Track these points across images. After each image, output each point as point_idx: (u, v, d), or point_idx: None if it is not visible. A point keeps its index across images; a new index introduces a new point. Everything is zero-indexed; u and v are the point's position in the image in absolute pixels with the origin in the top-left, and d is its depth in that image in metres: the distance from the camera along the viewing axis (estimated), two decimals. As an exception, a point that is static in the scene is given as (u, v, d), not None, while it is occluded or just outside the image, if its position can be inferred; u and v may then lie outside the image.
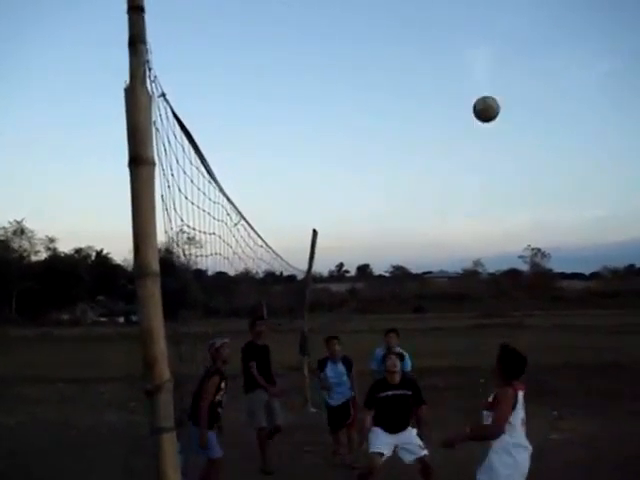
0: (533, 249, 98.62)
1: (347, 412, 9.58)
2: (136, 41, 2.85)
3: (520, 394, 5.37)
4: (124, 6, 2.82)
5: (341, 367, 9.66)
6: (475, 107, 5.76)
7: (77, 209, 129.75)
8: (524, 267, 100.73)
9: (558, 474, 8.38)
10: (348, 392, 9.61)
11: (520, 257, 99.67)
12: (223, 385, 7.47)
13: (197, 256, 3.52)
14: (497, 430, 5.24)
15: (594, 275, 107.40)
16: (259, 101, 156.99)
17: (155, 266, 2.81)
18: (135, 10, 2.85)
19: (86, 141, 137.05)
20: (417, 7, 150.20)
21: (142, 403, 9.29)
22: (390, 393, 7.68)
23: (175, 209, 3.11)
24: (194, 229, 3.37)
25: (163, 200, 3.02)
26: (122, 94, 2.85)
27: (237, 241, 4.80)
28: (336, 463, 9.32)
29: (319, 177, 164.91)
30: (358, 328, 36.72)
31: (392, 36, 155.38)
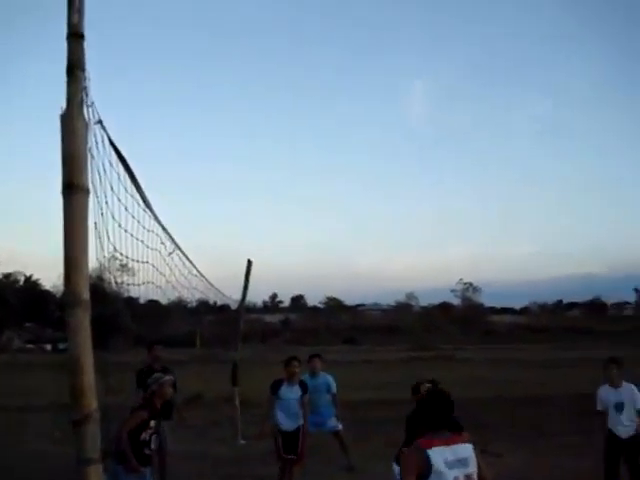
0: (465, 283, 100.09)
1: (297, 441, 9.44)
2: (74, 67, 2.84)
3: (439, 450, 4.05)
4: (64, 33, 2.82)
5: (297, 390, 9.51)
6: None
7: (5, 233, 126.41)
8: (456, 301, 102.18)
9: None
10: (301, 419, 9.52)
11: (452, 291, 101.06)
12: (153, 424, 6.95)
13: (129, 284, 3.48)
14: None
15: (524, 310, 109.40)
16: (195, 133, 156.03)
17: (86, 295, 2.77)
18: (74, 37, 2.84)
19: (17, 165, 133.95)
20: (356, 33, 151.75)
21: (68, 433, 9.07)
22: None
23: (108, 237, 3.09)
24: (127, 257, 3.35)
25: (96, 227, 3.00)
26: (57, 120, 2.84)
27: (171, 270, 4.78)
28: None
29: (253, 207, 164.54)
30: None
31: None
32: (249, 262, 13.70)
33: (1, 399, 19.67)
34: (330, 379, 10.51)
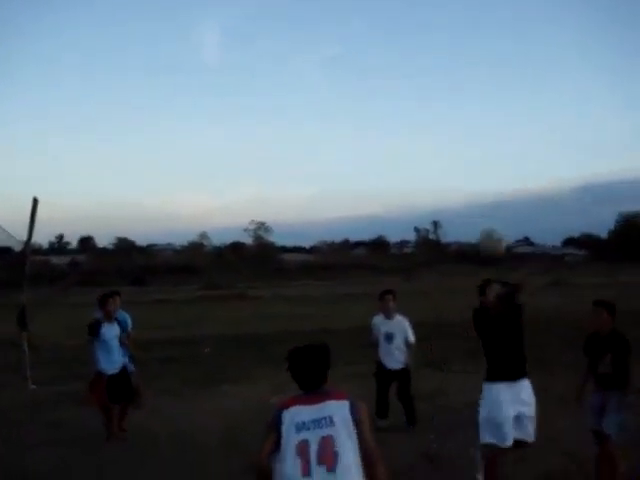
0: (257, 223, 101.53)
1: (127, 382, 9.06)
2: None
3: (294, 410, 3.74)
4: None
5: (116, 328, 9.10)
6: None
7: None
8: (248, 240, 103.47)
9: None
10: (123, 358, 9.13)
11: (245, 230, 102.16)
12: None
13: None
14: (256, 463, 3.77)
15: (313, 249, 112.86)
16: None
17: None
18: None
19: None
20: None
21: None
22: None
23: None
24: None
25: None
26: None
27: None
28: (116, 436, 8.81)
29: (38, 143, 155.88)
30: (79, 301, 35.54)
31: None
32: (35, 200, 13.00)
33: None
34: (127, 317, 10.18)
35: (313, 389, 3.85)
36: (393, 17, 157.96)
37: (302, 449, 3.60)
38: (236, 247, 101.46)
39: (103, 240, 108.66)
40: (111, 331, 8.98)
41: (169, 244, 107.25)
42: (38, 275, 41.22)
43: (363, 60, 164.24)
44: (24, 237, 13.22)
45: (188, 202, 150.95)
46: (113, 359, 8.97)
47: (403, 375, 9.07)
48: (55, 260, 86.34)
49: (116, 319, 9.19)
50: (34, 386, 12.60)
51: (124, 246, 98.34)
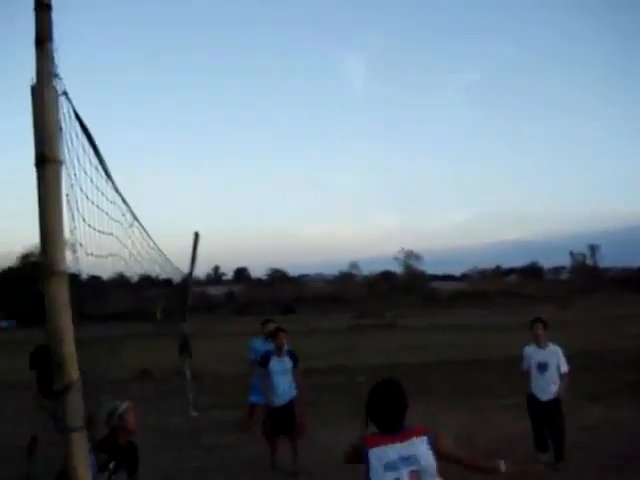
0: (406, 251, 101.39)
1: (291, 415, 8.95)
2: (43, 39, 2.82)
3: (380, 450, 3.93)
4: (31, 4, 2.80)
5: (287, 362, 9.01)
6: None
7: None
8: (398, 269, 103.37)
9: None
10: (292, 391, 9.03)
11: (395, 259, 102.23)
12: (112, 466, 5.36)
13: (96, 255, 3.47)
14: None
15: (464, 276, 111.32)
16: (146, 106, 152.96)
17: (62, 265, 2.79)
18: (42, 8, 2.82)
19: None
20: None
21: (20, 411, 8.96)
22: None
23: (78, 208, 3.10)
24: (94, 229, 3.35)
25: (67, 199, 3.00)
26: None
27: (133, 242, 4.78)
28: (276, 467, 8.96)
29: (198, 179, 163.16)
30: (236, 330, 36.63)
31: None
32: (196, 234, 13.62)
33: None
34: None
35: (393, 430, 4.01)
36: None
37: None
38: (386, 276, 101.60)
39: (257, 271, 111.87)
40: (280, 364, 8.96)
41: (319, 274, 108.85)
42: (197, 305, 42.89)
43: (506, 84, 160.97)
44: (185, 269, 13.82)
45: (339, 232, 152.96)
46: (279, 392, 8.95)
47: (554, 407, 8.72)
48: (212, 291, 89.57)
49: (288, 352, 9.11)
50: (196, 413, 13.08)
51: (277, 276, 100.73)
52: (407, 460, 3.87)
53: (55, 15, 2.85)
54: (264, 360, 9.06)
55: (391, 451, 3.90)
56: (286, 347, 9.12)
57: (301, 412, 8.98)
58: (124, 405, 5.57)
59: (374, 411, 4.06)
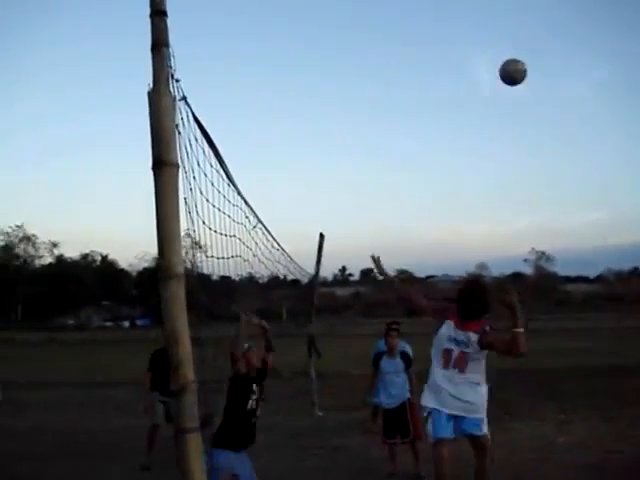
0: (537, 252, 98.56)
1: (403, 418, 8.73)
2: (159, 44, 2.88)
3: (450, 325, 5.93)
4: (147, 10, 2.85)
5: (399, 363, 8.84)
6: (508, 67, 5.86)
7: (82, 213, 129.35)
8: (529, 270, 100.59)
9: (567, 477, 8.34)
10: (405, 393, 8.82)
11: (525, 260, 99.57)
12: (255, 388, 6.30)
13: (217, 258, 3.51)
14: None
15: (599, 278, 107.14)
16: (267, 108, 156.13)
17: (179, 268, 2.82)
18: (158, 14, 2.87)
19: (96, 146, 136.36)
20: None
21: (148, 407, 9.25)
22: None
23: (197, 212, 3.14)
24: (215, 231, 3.39)
25: (186, 202, 3.04)
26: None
27: (256, 244, 4.83)
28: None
29: (324, 180, 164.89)
30: (362, 332, 36.72)
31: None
32: (321, 236, 13.69)
33: (83, 375, 20.30)
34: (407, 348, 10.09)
35: (465, 319, 5.85)
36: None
37: (446, 354, 5.86)
38: (516, 278, 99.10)
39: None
40: (392, 365, 8.83)
41: (446, 275, 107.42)
42: (324, 306, 43.31)
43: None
44: (311, 270, 13.92)
45: (467, 232, 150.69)
46: (391, 393, 8.84)
47: None
48: (339, 292, 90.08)
49: (401, 353, 8.93)
50: (321, 413, 13.14)
51: (404, 278, 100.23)
52: (461, 342, 5.80)
53: (171, 20, 2.89)
54: (375, 359, 8.98)
55: (456, 331, 5.85)
56: (400, 348, 8.95)
57: (414, 415, 8.74)
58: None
59: (461, 300, 5.91)
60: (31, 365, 24.37)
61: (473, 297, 5.89)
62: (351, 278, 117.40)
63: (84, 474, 9.29)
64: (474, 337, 5.76)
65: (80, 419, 13.68)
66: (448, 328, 5.88)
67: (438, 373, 5.90)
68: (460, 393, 5.81)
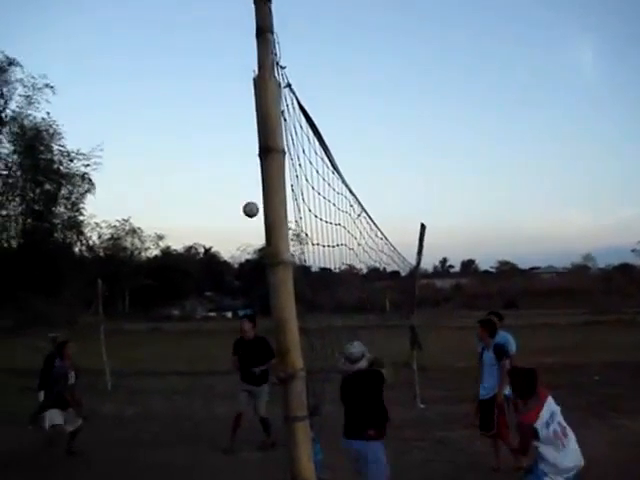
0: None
1: (490, 411, 8.66)
2: (264, 31, 2.87)
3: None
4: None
5: (493, 355, 8.79)
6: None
7: (184, 206, 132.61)
8: (638, 262, 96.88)
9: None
10: (494, 387, 8.71)
11: (633, 251, 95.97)
12: None
13: (305, 251, 3.49)
14: None
15: None
16: (377, 98, 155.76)
17: (287, 255, 2.82)
18: (261, 0, 2.87)
19: (195, 141, 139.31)
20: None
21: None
22: None
23: (303, 199, 3.13)
24: (321, 219, 3.37)
25: (292, 190, 3.03)
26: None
27: (360, 233, 4.80)
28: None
29: (424, 171, 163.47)
30: (463, 324, 36.20)
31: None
32: (422, 226, 13.53)
33: (187, 364, 20.78)
34: (508, 337, 9.92)
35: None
36: None
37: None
38: (624, 269, 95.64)
39: (485, 263, 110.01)
40: (488, 357, 8.84)
41: (550, 266, 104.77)
42: (424, 298, 42.95)
43: None
44: (412, 261, 13.79)
45: (571, 223, 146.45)
46: (484, 385, 8.85)
47: None
48: (439, 283, 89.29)
49: (494, 345, 8.86)
50: (423, 405, 13.04)
51: (505, 269, 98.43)
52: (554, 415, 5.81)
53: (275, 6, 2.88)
54: (481, 352, 9.06)
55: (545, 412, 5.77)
56: (497, 340, 8.97)
57: (497, 409, 8.58)
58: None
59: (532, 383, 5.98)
60: (137, 354, 25.10)
61: None
62: (452, 270, 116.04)
63: (189, 459, 9.52)
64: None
65: (185, 407, 14.03)
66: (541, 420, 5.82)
67: None
68: None
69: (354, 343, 7.19)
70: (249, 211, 5.82)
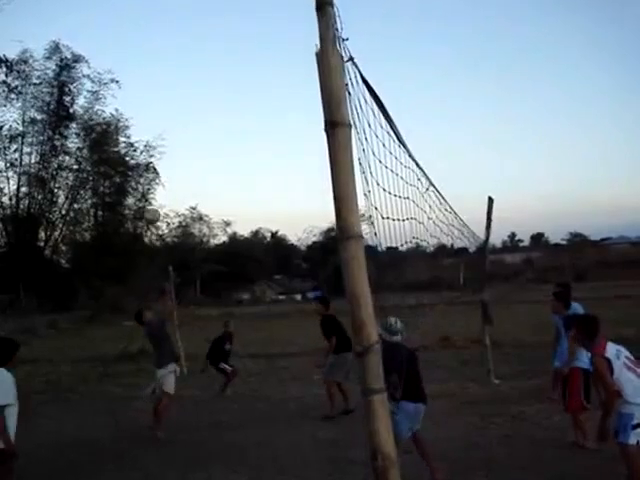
0: None
1: (565, 386, 8.43)
2: (324, 4, 2.84)
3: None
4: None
5: (561, 327, 8.71)
6: None
7: (248, 192, 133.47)
8: None
9: None
10: (563, 358, 8.59)
11: None
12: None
13: (367, 233, 3.45)
14: None
15: None
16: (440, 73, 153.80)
17: (357, 228, 2.80)
18: (321, -27, 2.83)
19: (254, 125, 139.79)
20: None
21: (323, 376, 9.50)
22: None
23: (371, 172, 3.10)
24: (390, 193, 3.34)
25: (360, 163, 3.01)
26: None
27: (430, 207, 4.74)
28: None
29: (491, 144, 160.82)
30: (534, 298, 35.58)
31: None
32: (490, 200, 13.31)
33: (261, 347, 21.00)
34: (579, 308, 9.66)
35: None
36: None
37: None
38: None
39: (555, 236, 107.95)
40: (563, 328, 8.63)
41: (623, 237, 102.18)
42: (494, 273, 42.35)
43: None
44: (480, 235, 13.60)
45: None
46: (559, 357, 8.88)
47: None
48: (509, 258, 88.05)
49: (564, 316, 8.64)
50: (497, 381, 12.91)
51: (576, 241, 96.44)
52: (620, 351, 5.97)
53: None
54: (558, 325, 8.99)
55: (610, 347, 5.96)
56: (571, 311, 8.71)
57: (570, 384, 8.29)
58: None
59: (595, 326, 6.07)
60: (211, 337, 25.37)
61: None
62: (521, 244, 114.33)
63: (267, 438, 9.65)
64: None
65: (260, 388, 14.20)
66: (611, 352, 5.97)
67: None
68: None
69: (392, 318, 7.17)
70: (151, 217, 5.85)
